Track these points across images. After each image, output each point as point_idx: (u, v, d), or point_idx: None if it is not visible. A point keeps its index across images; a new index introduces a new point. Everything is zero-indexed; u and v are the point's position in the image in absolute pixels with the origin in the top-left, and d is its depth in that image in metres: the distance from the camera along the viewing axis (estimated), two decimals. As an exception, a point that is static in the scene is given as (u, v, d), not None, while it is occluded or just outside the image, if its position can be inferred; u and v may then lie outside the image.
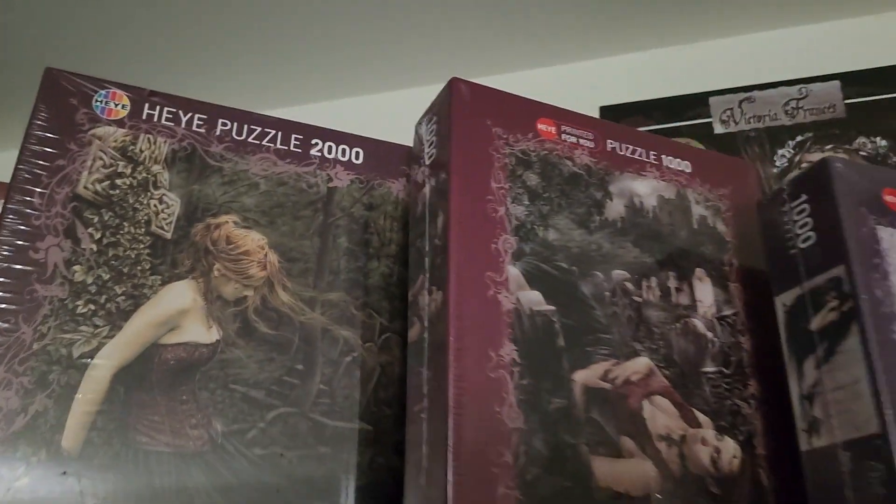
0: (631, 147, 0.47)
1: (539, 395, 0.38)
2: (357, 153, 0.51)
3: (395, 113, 0.68)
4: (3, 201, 0.42)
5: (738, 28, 0.80)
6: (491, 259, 0.40)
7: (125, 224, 0.44)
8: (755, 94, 0.74)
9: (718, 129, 0.73)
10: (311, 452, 0.43)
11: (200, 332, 0.43)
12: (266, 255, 0.46)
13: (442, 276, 0.39)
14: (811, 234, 0.40)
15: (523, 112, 0.45)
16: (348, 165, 0.50)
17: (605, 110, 0.78)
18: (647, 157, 0.48)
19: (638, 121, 0.76)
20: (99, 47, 0.80)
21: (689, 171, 0.49)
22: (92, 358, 0.40)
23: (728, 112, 0.74)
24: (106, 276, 0.42)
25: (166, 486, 0.39)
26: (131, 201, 0.45)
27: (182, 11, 0.76)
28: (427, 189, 0.43)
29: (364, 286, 0.48)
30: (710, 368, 0.43)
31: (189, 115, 0.48)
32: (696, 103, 0.75)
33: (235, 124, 0.49)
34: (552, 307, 0.40)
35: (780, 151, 0.71)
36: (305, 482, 0.42)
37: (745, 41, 0.80)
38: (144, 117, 0.47)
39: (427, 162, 0.44)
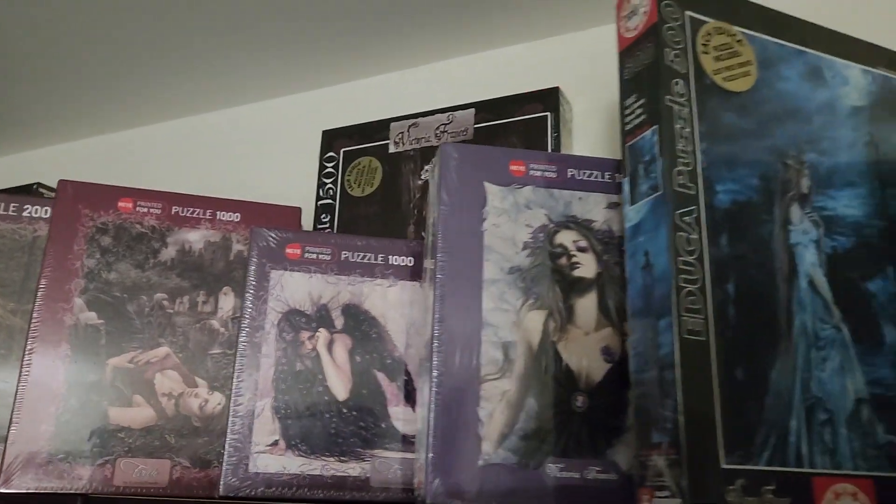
0: (192, 209, 0.74)
1: (81, 374, 0.67)
2: (47, 210, 0.80)
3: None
4: None
5: (429, 57, 1.02)
6: (64, 295, 0.69)
7: None
8: (420, 120, 0.97)
9: (392, 149, 0.97)
10: None
11: (-60, 334, 0.75)
12: (-14, 285, 0.77)
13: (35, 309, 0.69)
14: (246, 273, 0.67)
15: (109, 196, 0.72)
16: (48, 220, 0.80)
17: (325, 133, 1.02)
18: (204, 214, 0.74)
19: (345, 142, 1.01)
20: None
21: (238, 220, 0.75)
22: None
23: (400, 135, 0.97)
24: None
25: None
26: None
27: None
28: (47, 249, 0.72)
29: (51, 299, 0.78)
30: (216, 351, 0.71)
31: (-58, 198, 0.78)
32: (382, 128, 0.99)
33: (-28, 201, 0.79)
34: (102, 321, 0.69)
35: (426, 167, 0.94)
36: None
37: (427, 71, 1.02)
38: (-88, 204, 0.77)
39: (51, 231, 0.73)
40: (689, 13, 0.53)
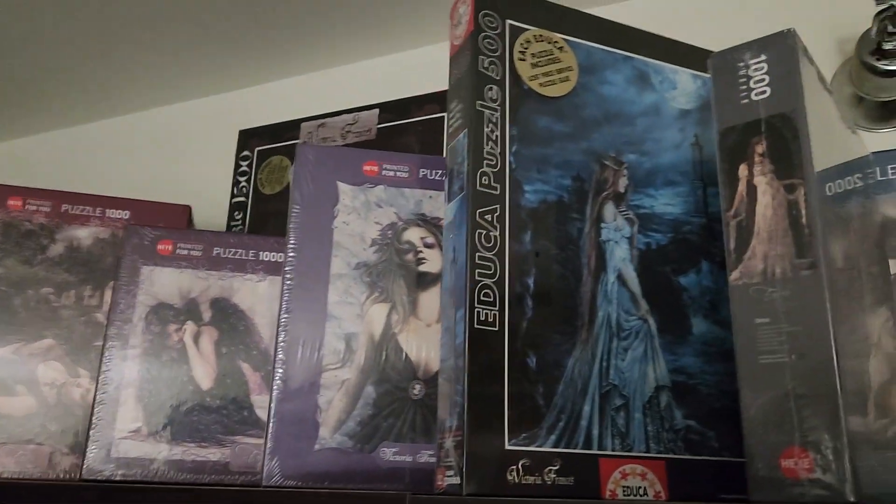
0: (81, 207, 0.77)
1: (-35, 364, 0.71)
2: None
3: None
4: None
5: (332, 61, 1.05)
6: (-49, 289, 0.72)
7: None
8: (327, 120, 1.00)
9: (301, 148, 1.00)
10: None
11: None
12: None
13: (-78, 301, 0.72)
14: (122, 269, 0.70)
15: (-1, 195, 0.76)
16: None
17: (242, 133, 1.05)
18: (94, 212, 0.77)
19: (257, 141, 1.04)
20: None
21: (127, 217, 0.78)
22: None
23: (309, 134, 1.00)
24: None
25: None
26: None
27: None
28: (-60, 246, 0.75)
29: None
30: (100, 343, 0.74)
31: None
32: (293, 127, 1.02)
33: None
34: (-13, 314, 0.72)
35: (330, 166, 0.97)
36: None
37: (332, 74, 1.05)
38: None
39: (-56, 228, 0.76)
40: (509, 22, 0.56)
